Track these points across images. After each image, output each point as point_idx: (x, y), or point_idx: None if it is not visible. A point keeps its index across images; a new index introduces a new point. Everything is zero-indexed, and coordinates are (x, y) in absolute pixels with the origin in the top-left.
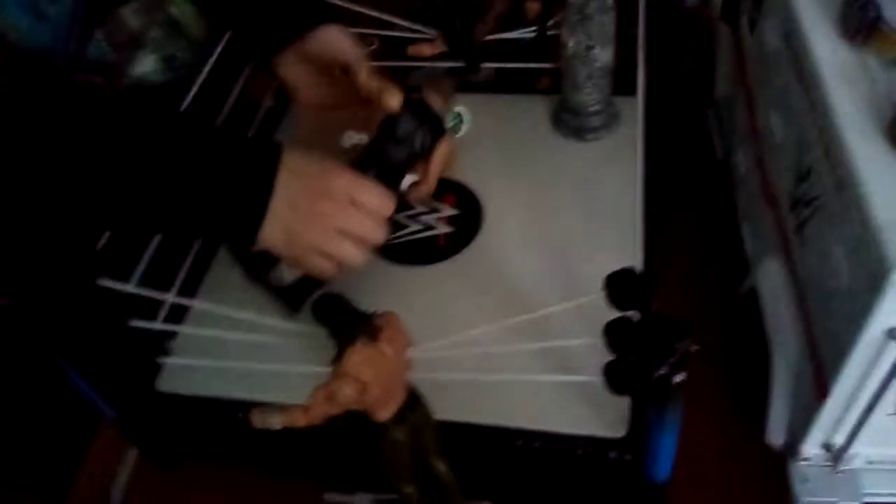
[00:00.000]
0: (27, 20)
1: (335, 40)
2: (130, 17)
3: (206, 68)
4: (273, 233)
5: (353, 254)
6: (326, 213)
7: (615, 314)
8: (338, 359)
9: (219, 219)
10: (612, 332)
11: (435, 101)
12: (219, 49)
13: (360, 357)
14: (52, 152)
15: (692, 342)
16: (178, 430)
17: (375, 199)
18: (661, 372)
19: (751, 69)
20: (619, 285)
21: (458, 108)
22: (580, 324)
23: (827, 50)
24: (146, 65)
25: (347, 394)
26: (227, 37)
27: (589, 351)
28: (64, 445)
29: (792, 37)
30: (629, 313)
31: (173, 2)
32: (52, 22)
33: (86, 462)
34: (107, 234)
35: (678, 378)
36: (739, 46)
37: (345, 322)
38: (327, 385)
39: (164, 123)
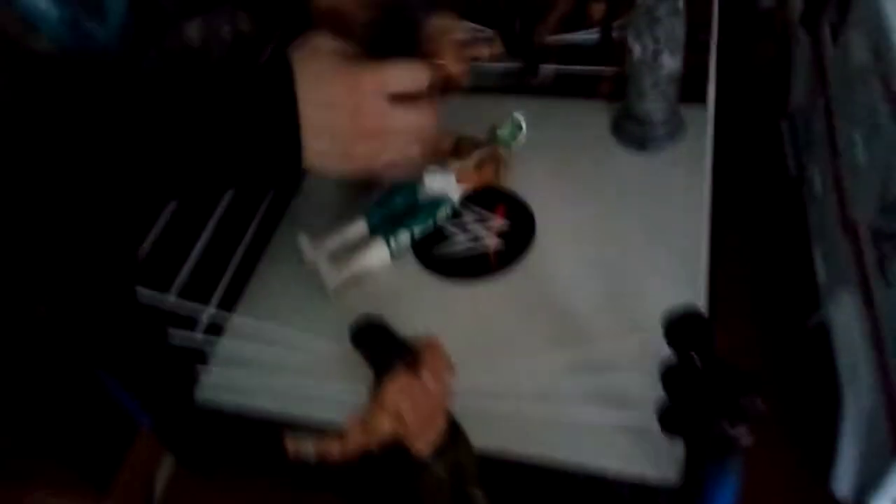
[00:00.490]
0: (70, 41)
1: None
2: (195, 35)
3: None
4: (322, 164)
5: (412, 150)
6: (371, 123)
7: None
8: (376, 388)
9: (256, 163)
10: (670, 378)
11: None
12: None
13: (398, 387)
14: (77, 137)
15: (761, 401)
16: (215, 441)
17: (409, 81)
18: (723, 427)
19: (832, 81)
20: (679, 326)
21: (517, 115)
22: (635, 355)
23: None
24: None
25: (384, 426)
26: None
27: (642, 385)
28: (107, 443)
29: (881, 51)
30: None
31: (238, 17)
32: (100, 44)
33: (127, 461)
34: (147, 244)
35: (741, 435)
36: (819, 55)
37: (384, 349)
38: (364, 415)
39: (174, 86)
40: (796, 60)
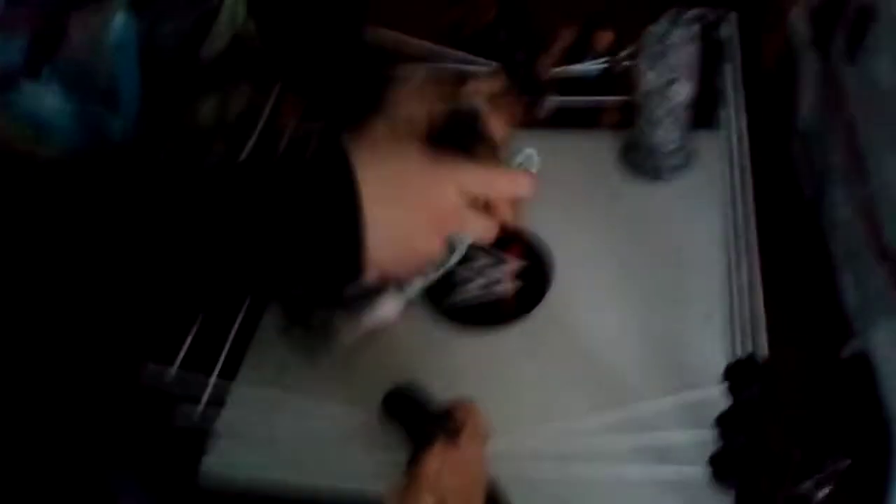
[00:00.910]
0: (84, 140)
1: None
2: (208, 113)
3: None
4: (382, 261)
5: (484, 225)
6: (445, 230)
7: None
8: (413, 463)
9: (305, 272)
10: (730, 427)
11: (495, 126)
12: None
13: (439, 462)
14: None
15: (845, 458)
16: None
17: (493, 185)
18: (809, 488)
19: (853, 103)
20: (740, 374)
21: (528, 150)
22: (674, 405)
23: None
24: (214, 157)
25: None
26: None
27: (684, 436)
28: None
29: None
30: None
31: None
32: (116, 138)
33: None
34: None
35: (822, 496)
36: (833, 76)
37: (421, 420)
38: (403, 492)
39: (218, 187)
40: (803, 80)
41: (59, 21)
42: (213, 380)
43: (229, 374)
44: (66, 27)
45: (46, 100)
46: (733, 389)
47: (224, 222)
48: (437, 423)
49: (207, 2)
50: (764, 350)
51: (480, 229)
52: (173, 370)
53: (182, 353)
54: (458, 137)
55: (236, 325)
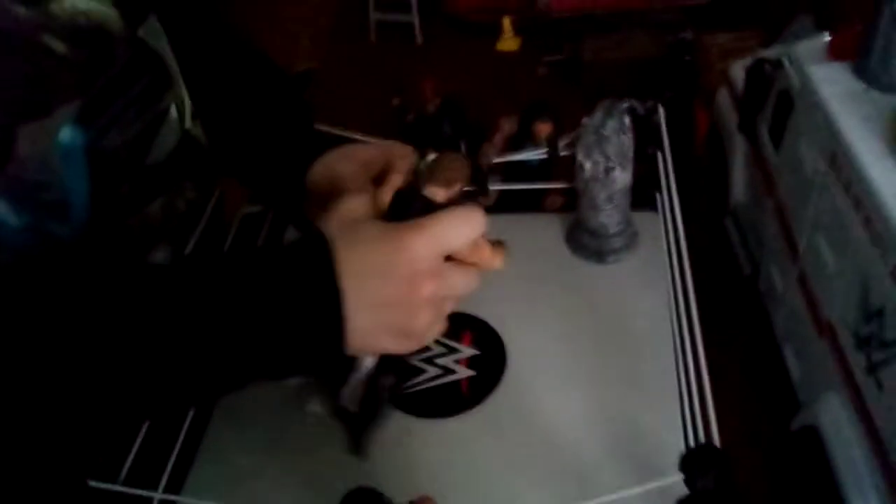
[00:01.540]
0: (32, 246)
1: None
2: (155, 214)
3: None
4: (372, 343)
5: (464, 276)
6: (425, 291)
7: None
8: None
9: (291, 363)
10: None
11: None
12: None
13: None
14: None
15: None
16: None
17: (467, 232)
18: None
19: (782, 184)
20: (696, 463)
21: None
22: (630, 482)
23: (887, 177)
24: (159, 255)
25: None
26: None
27: None
28: None
29: (839, 159)
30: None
31: (186, 187)
32: (63, 241)
33: None
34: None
35: None
36: (760, 157)
37: None
38: None
39: (191, 288)
40: (733, 163)
41: (4, 137)
42: (158, 495)
43: (175, 488)
44: (12, 142)
45: None
46: (689, 479)
47: (205, 311)
48: None
49: (154, 108)
50: (715, 436)
51: (463, 282)
52: (118, 486)
53: (126, 468)
54: (406, 211)
55: (181, 438)
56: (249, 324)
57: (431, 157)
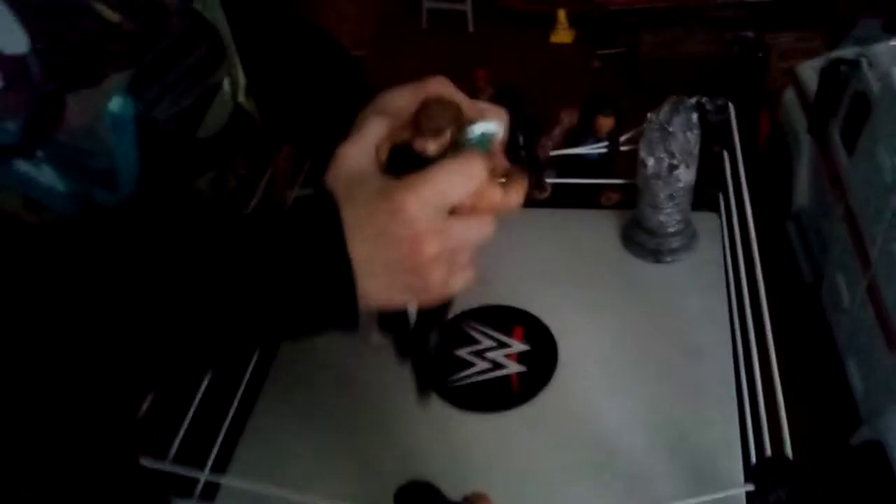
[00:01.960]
0: (78, 213)
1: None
2: (205, 189)
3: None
4: (388, 299)
5: (469, 273)
6: (430, 250)
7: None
8: None
9: (303, 315)
10: None
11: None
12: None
13: None
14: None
15: None
16: None
17: (465, 184)
18: None
19: (854, 189)
20: (769, 476)
21: (485, 123)
22: (685, 489)
23: None
24: None
25: None
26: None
27: None
28: None
29: None
30: None
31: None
32: (110, 212)
33: None
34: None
35: None
36: (830, 161)
37: None
38: None
39: (202, 248)
40: (798, 165)
41: (54, 103)
42: (206, 473)
43: (222, 466)
44: (62, 109)
45: (39, 178)
46: (760, 491)
47: (213, 277)
48: None
49: (207, 81)
50: (788, 448)
51: (473, 232)
52: (167, 463)
53: (175, 446)
54: (401, 167)
55: (228, 419)
56: (261, 291)
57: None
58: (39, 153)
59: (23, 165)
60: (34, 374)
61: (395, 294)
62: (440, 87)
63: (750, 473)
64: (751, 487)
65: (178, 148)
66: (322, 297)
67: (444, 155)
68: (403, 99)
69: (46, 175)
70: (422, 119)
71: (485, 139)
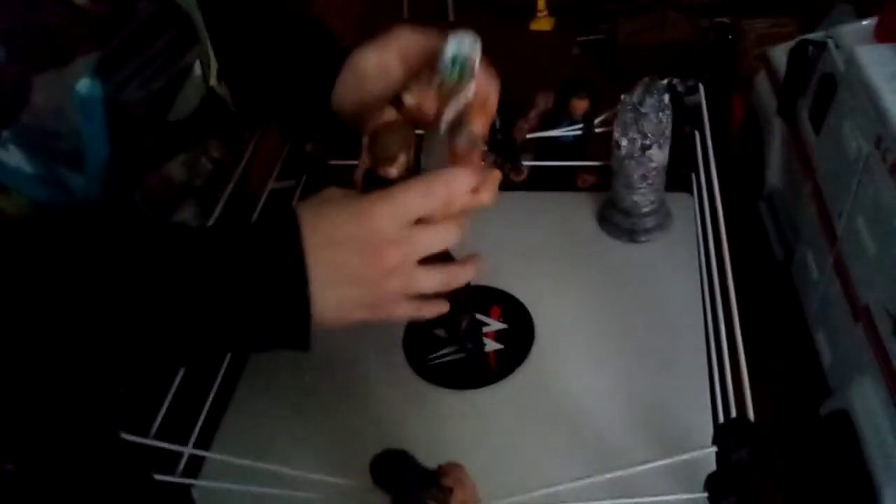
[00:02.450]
0: (46, 195)
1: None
2: (177, 171)
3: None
4: (341, 316)
5: (438, 279)
6: (391, 260)
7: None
8: None
9: (257, 336)
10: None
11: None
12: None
13: None
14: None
15: None
16: None
17: (428, 201)
18: None
19: (821, 168)
20: (731, 437)
21: (459, 36)
22: (660, 464)
23: None
24: (185, 214)
25: None
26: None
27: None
28: None
29: (884, 141)
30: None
31: (210, 145)
32: (79, 195)
33: None
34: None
35: None
36: (799, 141)
37: (411, 485)
38: None
39: (160, 245)
40: (769, 146)
41: (20, 85)
42: (188, 449)
43: (205, 444)
44: (27, 91)
45: (6, 160)
46: (723, 452)
47: (163, 273)
48: (428, 489)
49: (177, 64)
50: (750, 411)
51: (438, 239)
52: (149, 439)
53: (157, 423)
54: (371, 190)
55: (211, 395)
56: (217, 298)
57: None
58: (5, 133)
59: None
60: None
61: (348, 309)
62: (405, 34)
63: (714, 435)
64: (714, 449)
65: (149, 130)
66: (274, 302)
67: (410, 173)
68: (371, 59)
69: (13, 156)
70: (375, 150)
71: (458, 64)
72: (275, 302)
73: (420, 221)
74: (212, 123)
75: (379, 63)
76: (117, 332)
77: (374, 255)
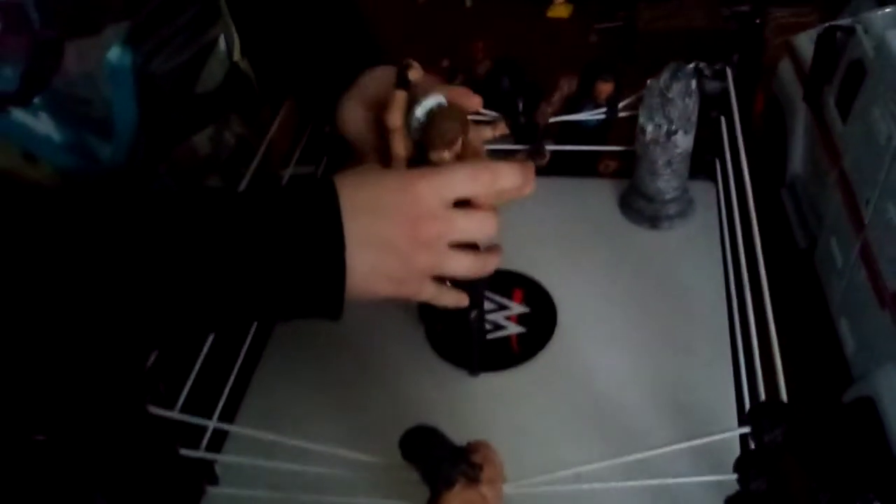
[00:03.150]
0: (74, 163)
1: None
2: (203, 145)
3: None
4: (369, 287)
5: (467, 264)
6: (427, 233)
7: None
8: None
9: (290, 300)
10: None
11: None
12: (270, 134)
13: None
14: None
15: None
16: None
17: (474, 185)
18: None
19: (848, 155)
20: (765, 418)
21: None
22: (686, 450)
23: None
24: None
25: None
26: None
27: (702, 489)
28: None
29: None
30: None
31: (233, 120)
32: (106, 164)
33: None
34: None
35: None
36: (825, 128)
37: (441, 462)
38: None
39: (190, 211)
40: (793, 131)
41: (53, 50)
42: (213, 423)
43: (229, 417)
44: (60, 56)
45: (36, 128)
46: (756, 432)
47: (206, 240)
48: (458, 465)
49: (201, 38)
50: (783, 392)
51: (474, 227)
52: (175, 413)
53: (183, 397)
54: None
55: (236, 368)
56: (251, 257)
57: (420, 109)
58: (37, 100)
59: (20, 115)
60: (38, 328)
61: (375, 280)
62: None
63: (747, 415)
64: (746, 430)
65: (176, 102)
66: (309, 263)
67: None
68: (383, 85)
69: (43, 124)
70: (434, 135)
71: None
72: (310, 263)
73: (461, 207)
74: (235, 98)
75: (386, 92)
76: (150, 295)
77: (412, 226)
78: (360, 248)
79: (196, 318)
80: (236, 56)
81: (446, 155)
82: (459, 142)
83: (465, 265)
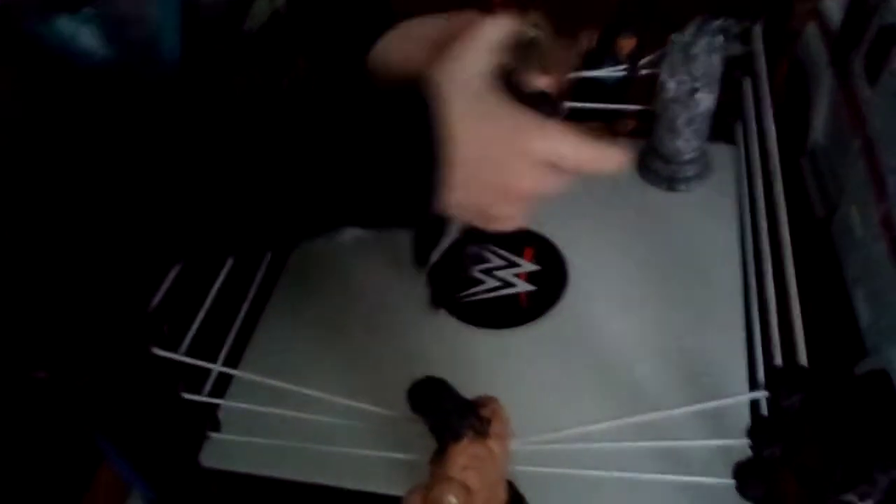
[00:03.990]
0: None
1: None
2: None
3: None
4: (468, 196)
5: (556, 184)
6: (539, 145)
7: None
8: (439, 458)
9: (395, 204)
10: (766, 437)
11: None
12: None
13: (467, 458)
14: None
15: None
16: None
17: (579, 153)
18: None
19: (874, 121)
20: (783, 384)
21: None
22: (693, 409)
23: None
24: None
25: (450, 500)
26: None
27: (707, 443)
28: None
29: None
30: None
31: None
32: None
33: None
34: (156, 299)
35: None
36: (851, 94)
37: (450, 414)
38: (427, 491)
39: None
40: (817, 100)
41: None
42: (217, 367)
43: (234, 363)
44: None
45: (80, 39)
46: (774, 397)
47: (295, 138)
48: (467, 418)
49: None
50: (803, 358)
51: (546, 191)
52: (179, 355)
53: (188, 340)
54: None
55: (242, 313)
56: (347, 153)
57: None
58: (86, 10)
59: (66, 24)
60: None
61: (474, 188)
62: (471, 22)
63: (765, 380)
64: (764, 394)
65: (221, 38)
66: (413, 162)
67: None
68: (434, 28)
69: (87, 37)
70: (542, 59)
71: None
72: (412, 161)
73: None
74: (273, 45)
75: (436, 36)
76: (238, 193)
77: (512, 177)
78: (463, 139)
79: (289, 217)
80: (279, 1)
81: (546, 82)
82: (559, 76)
83: (554, 185)
